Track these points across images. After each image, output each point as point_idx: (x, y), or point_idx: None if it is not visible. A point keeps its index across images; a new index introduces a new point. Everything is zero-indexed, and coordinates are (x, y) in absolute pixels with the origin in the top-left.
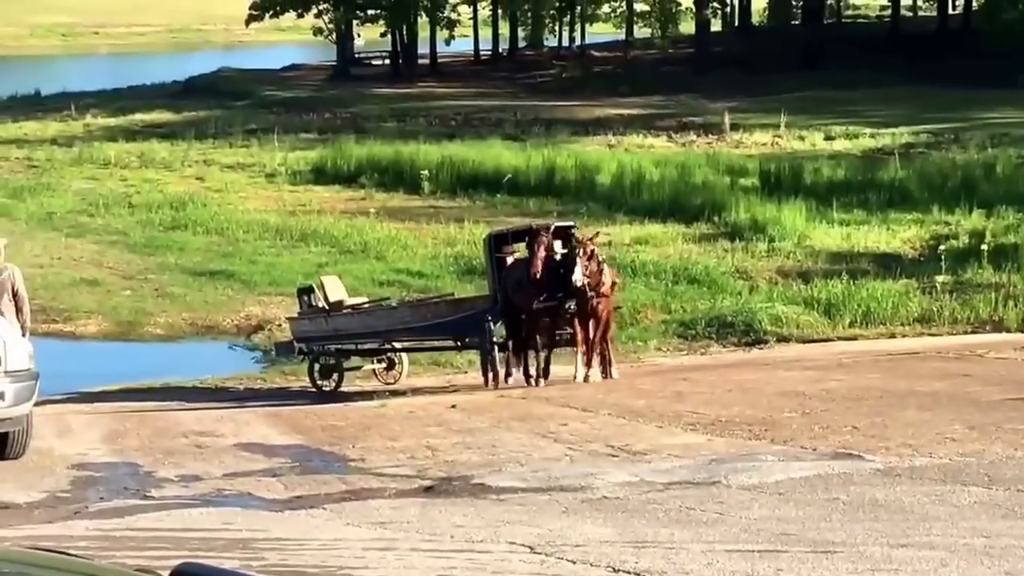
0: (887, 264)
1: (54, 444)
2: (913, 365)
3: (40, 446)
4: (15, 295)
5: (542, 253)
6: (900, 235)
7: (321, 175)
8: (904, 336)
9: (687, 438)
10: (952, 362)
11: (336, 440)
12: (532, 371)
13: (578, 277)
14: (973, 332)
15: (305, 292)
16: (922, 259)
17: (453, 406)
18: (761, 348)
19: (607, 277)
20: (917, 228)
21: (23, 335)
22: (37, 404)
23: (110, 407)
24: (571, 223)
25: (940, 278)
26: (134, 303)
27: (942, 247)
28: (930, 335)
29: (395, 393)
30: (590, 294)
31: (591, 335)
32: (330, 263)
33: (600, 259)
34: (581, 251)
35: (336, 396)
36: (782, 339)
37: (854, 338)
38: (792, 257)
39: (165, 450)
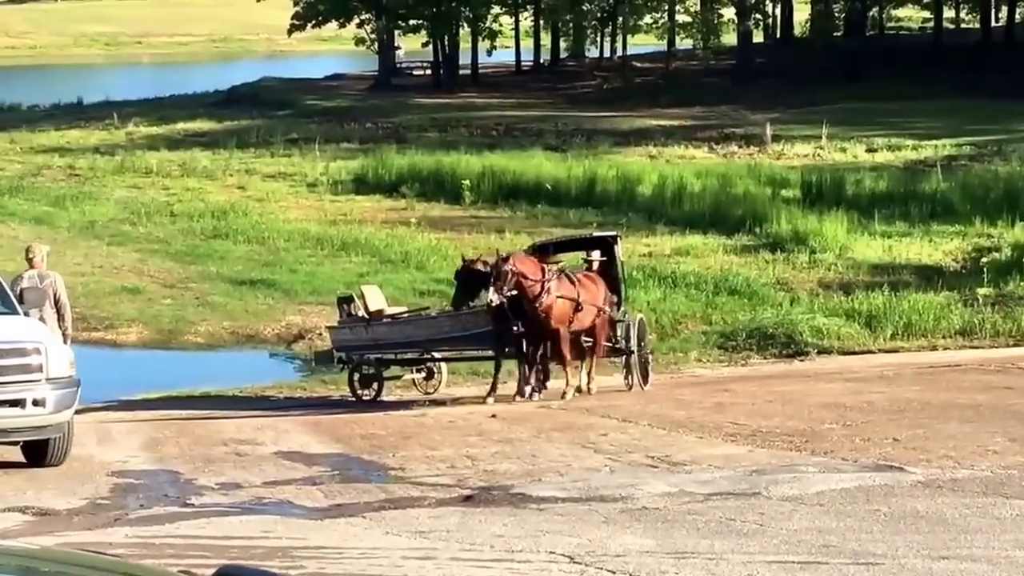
0: (929, 276)
1: (94, 451)
2: (955, 377)
3: (81, 453)
4: (57, 302)
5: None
6: (942, 247)
7: (362, 185)
8: (946, 348)
9: (727, 449)
10: (994, 375)
11: (376, 449)
12: (526, 385)
13: (491, 297)
14: (1015, 345)
15: (345, 301)
16: (964, 271)
17: (493, 416)
18: (802, 360)
19: (550, 296)
20: (959, 240)
21: (64, 342)
22: (78, 411)
23: (150, 415)
24: (614, 233)
25: (982, 290)
26: (175, 311)
27: (984, 260)
28: (972, 348)
29: (435, 402)
30: (539, 311)
31: (527, 352)
32: (371, 273)
33: (549, 277)
34: (493, 272)
35: (376, 405)
36: (823, 351)
37: (895, 350)
38: (833, 269)
39: (205, 458)
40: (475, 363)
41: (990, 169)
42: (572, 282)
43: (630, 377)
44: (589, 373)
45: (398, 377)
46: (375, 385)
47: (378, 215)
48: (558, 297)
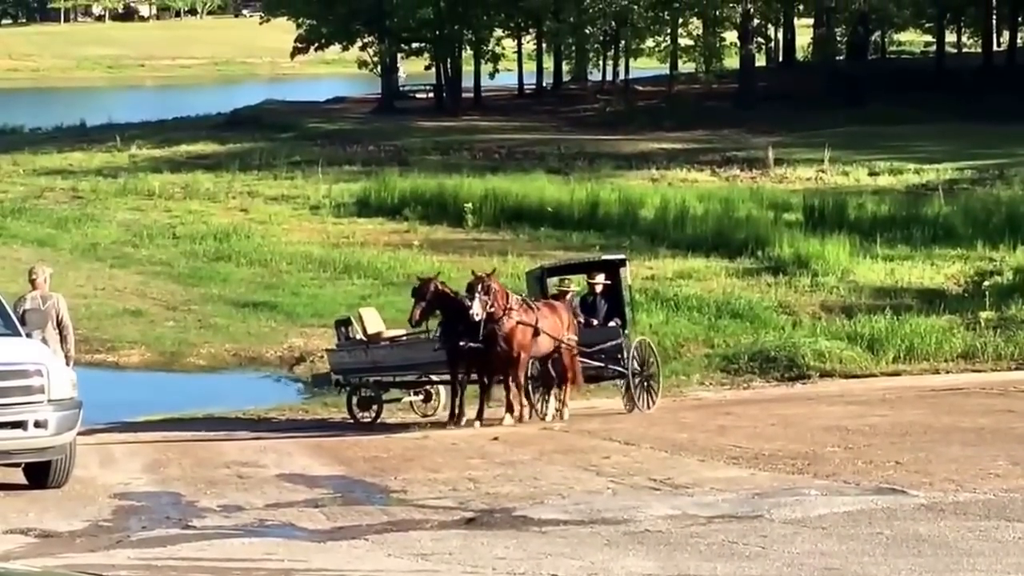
0: (931, 300)
1: (96, 473)
2: (957, 401)
3: (83, 475)
4: (59, 324)
5: (421, 304)
6: (944, 271)
7: (365, 207)
8: (948, 372)
9: (730, 472)
10: (996, 398)
11: (378, 471)
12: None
13: (476, 310)
14: (1017, 368)
15: (343, 324)
16: (966, 295)
17: (495, 438)
18: (804, 383)
19: (511, 320)
20: (961, 264)
21: (67, 364)
22: (80, 433)
23: (152, 437)
24: (622, 256)
25: (984, 314)
26: (177, 334)
27: (986, 283)
28: (974, 371)
29: (437, 425)
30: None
31: (511, 375)
32: (373, 295)
33: (512, 298)
34: (480, 286)
35: (378, 427)
36: (825, 374)
37: (897, 374)
38: (835, 292)
39: (207, 480)
40: (477, 386)
41: (992, 193)
42: (532, 309)
43: (642, 399)
44: (563, 400)
45: (398, 400)
46: (374, 407)
47: (380, 238)
48: (518, 323)
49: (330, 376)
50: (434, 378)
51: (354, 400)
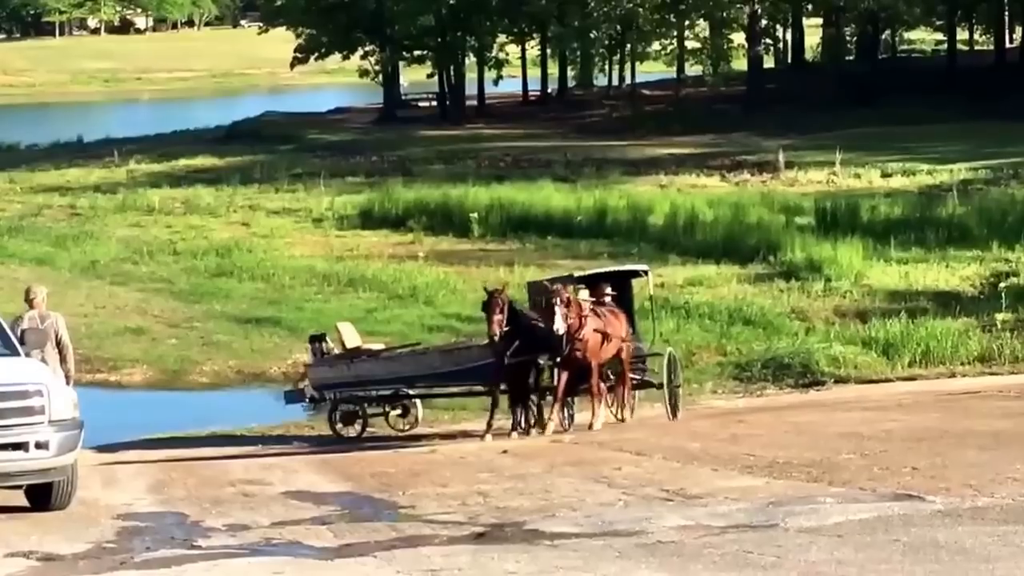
0: (946, 303)
1: (99, 494)
2: (973, 405)
3: (85, 496)
4: (59, 343)
5: (498, 316)
6: (959, 273)
7: (368, 219)
8: (964, 375)
9: (743, 481)
10: (1013, 401)
11: (386, 487)
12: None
13: (559, 325)
14: None
15: (317, 339)
16: (982, 297)
17: (505, 451)
18: (818, 389)
19: (589, 326)
20: (977, 265)
21: (67, 384)
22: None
23: (156, 456)
24: (644, 267)
25: (1001, 316)
26: (180, 351)
27: (1002, 284)
28: (991, 374)
29: (446, 438)
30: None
31: (561, 383)
32: (378, 309)
33: (584, 308)
34: (558, 300)
35: (384, 442)
36: (840, 380)
37: (913, 378)
38: (849, 297)
39: (212, 499)
40: (485, 398)
41: (1007, 192)
42: (599, 316)
43: (668, 410)
44: (623, 403)
45: (385, 413)
46: (358, 423)
47: (385, 250)
48: (593, 330)
49: (303, 392)
50: (411, 392)
51: (336, 415)
